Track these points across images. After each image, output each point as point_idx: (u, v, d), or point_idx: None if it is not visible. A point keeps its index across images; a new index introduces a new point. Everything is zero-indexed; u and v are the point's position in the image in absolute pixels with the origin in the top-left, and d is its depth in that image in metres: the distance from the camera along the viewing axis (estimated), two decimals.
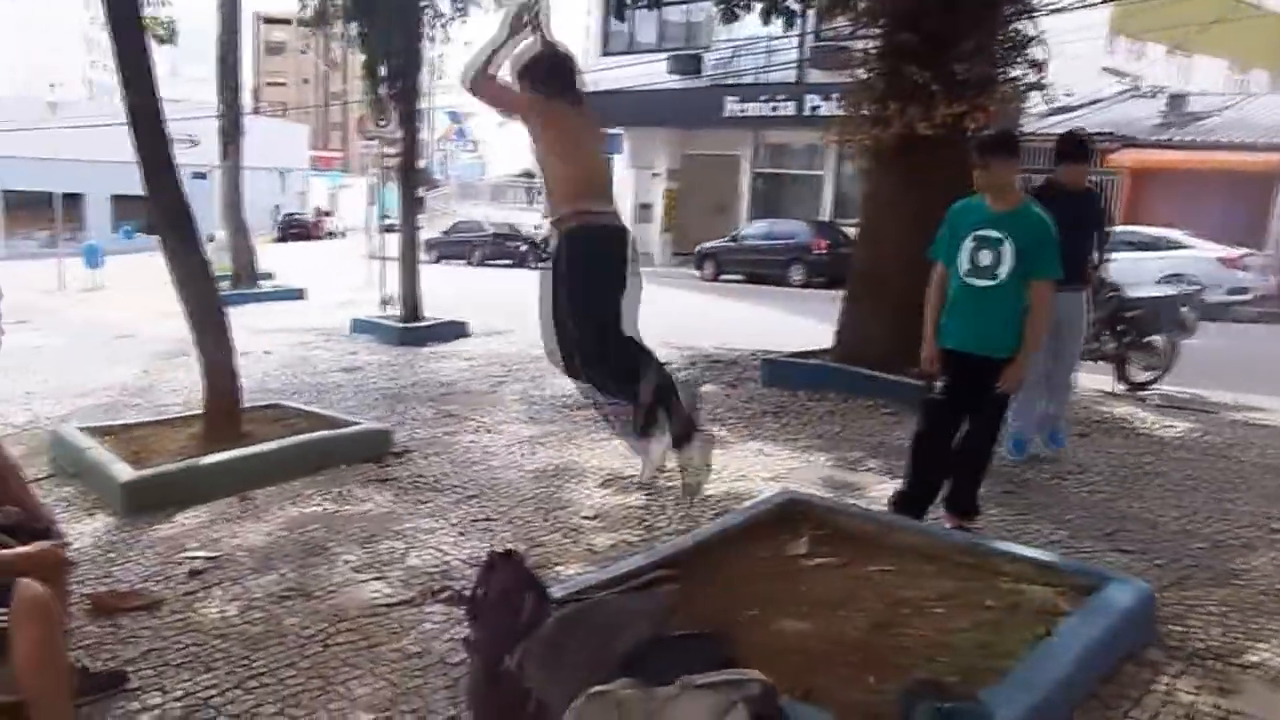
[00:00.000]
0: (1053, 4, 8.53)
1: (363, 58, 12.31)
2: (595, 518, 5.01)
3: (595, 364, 3.69)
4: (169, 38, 14.80)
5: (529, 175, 42.77)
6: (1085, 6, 10.00)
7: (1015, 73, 8.13)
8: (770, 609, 3.57)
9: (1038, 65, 8.13)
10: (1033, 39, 8.08)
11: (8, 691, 2.91)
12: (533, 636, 2.86)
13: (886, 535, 4.27)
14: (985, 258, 4.47)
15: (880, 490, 5.43)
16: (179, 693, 3.19)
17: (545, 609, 2.99)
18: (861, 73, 8.42)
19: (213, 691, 3.20)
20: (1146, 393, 8.36)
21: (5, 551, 2.78)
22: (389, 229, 20.33)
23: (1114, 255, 6.46)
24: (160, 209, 5.96)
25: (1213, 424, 7.36)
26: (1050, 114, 10.08)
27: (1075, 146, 5.98)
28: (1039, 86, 8.19)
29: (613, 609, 2.97)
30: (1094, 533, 4.87)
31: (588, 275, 3.61)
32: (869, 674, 3.06)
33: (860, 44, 8.81)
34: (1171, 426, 7.24)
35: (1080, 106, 20.62)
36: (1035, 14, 8.22)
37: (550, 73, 3.71)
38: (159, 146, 5.85)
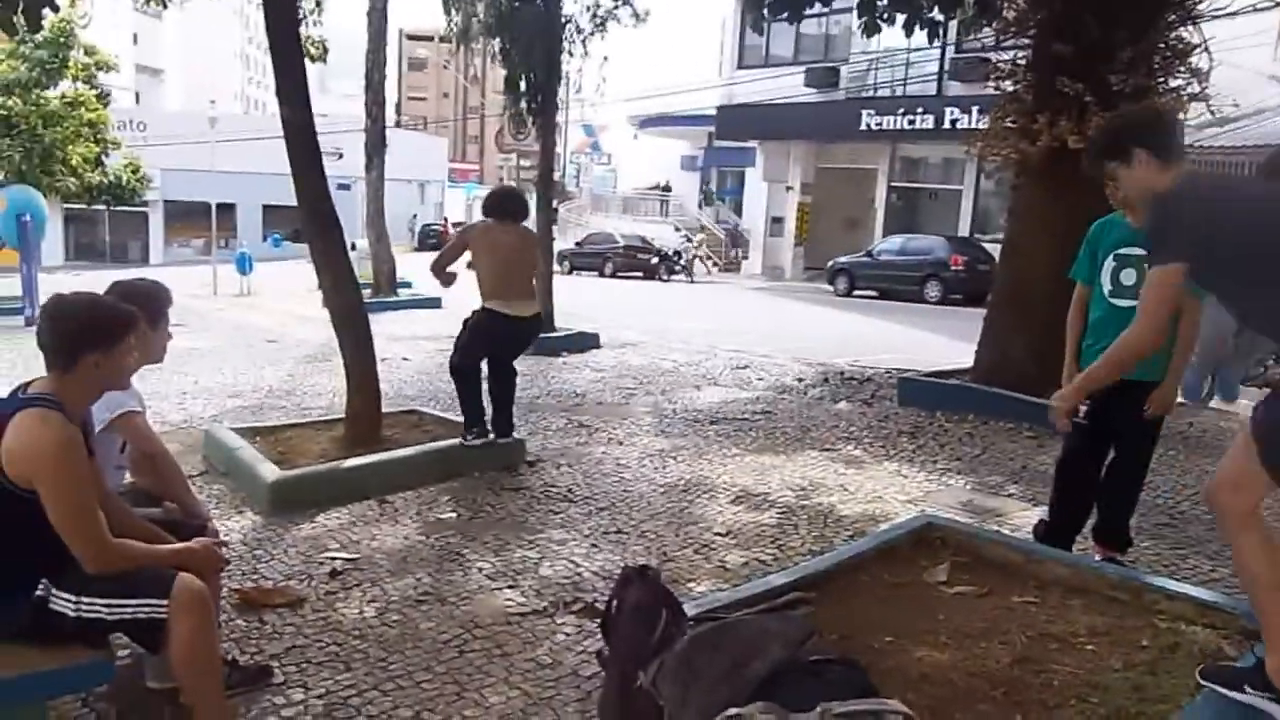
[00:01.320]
0: (1218, 9, 8.05)
1: (503, 72, 12.58)
2: (727, 534, 4.95)
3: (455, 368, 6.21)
4: (321, 56, 15.46)
5: (661, 188, 43.04)
6: (1255, 10, 9.44)
7: (1175, 83, 7.73)
8: (908, 637, 3.45)
9: (1199, 75, 7.72)
10: (1195, 47, 7.68)
11: (166, 679, 3.04)
12: (667, 653, 2.82)
13: (1031, 565, 4.09)
14: (1128, 276, 4.25)
15: (1023, 518, 5.22)
16: (320, 690, 3.26)
17: (680, 626, 2.95)
18: (1009, 84, 8.16)
19: (351, 691, 3.26)
20: None
21: (168, 547, 2.89)
22: None
23: None
24: (310, 218, 6.17)
25: None
26: (1210, 125, 9.58)
27: None
28: (1201, 97, 7.76)
29: (750, 630, 2.90)
30: None
31: (474, 334, 6.11)
32: (1016, 712, 2.91)
33: (1006, 55, 8.54)
34: None
35: (1244, 117, 19.54)
36: (1199, 20, 7.81)
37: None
38: (310, 158, 6.06)
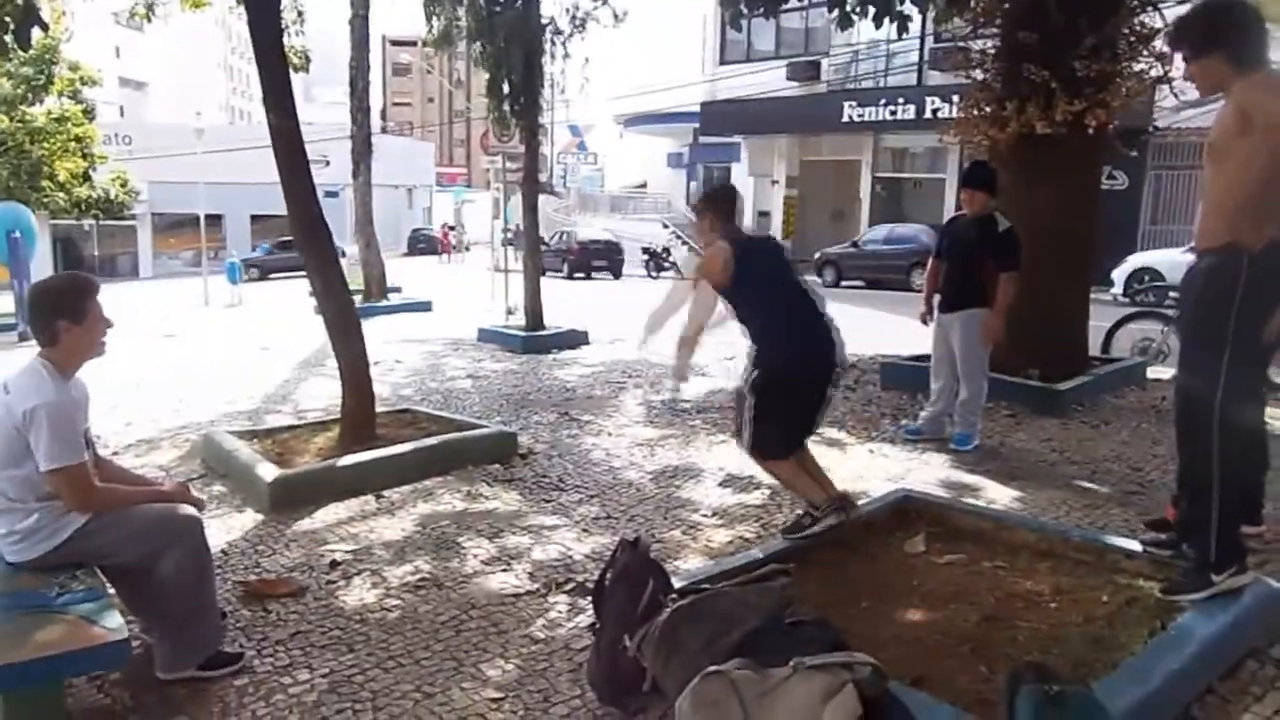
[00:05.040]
0: None
1: (486, 76, 12.72)
2: (714, 515, 5.13)
3: None
4: (304, 65, 15.60)
5: (645, 187, 43.28)
6: None
7: (1139, 67, 7.91)
8: (884, 602, 3.64)
9: (1163, 58, 7.89)
10: (1158, 31, 7.85)
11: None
12: (652, 621, 3.00)
13: (1002, 532, 4.28)
14: None
15: (998, 492, 5.40)
16: (324, 670, 3.44)
17: (666, 595, 3.12)
18: (978, 73, 8.34)
19: (355, 670, 3.44)
20: None
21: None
22: (511, 242, 20.80)
23: None
24: (299, 226, 6.32)
25: None
26: (1185, 107, 9.71)
27: (973, 175, 6.42)
28: (1165, 80, 7.93)
29: (729, 601, 3.07)
30: None
31: None
32: (980, 664, 3.10)
33: (979, 44, 8.71)
34: None
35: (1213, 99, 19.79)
36: (1161, 5, 7.99)
37: None
38: (298, 166, 6.21)
